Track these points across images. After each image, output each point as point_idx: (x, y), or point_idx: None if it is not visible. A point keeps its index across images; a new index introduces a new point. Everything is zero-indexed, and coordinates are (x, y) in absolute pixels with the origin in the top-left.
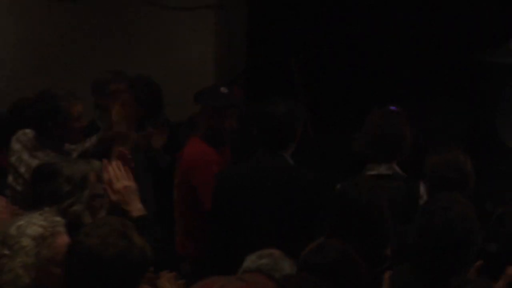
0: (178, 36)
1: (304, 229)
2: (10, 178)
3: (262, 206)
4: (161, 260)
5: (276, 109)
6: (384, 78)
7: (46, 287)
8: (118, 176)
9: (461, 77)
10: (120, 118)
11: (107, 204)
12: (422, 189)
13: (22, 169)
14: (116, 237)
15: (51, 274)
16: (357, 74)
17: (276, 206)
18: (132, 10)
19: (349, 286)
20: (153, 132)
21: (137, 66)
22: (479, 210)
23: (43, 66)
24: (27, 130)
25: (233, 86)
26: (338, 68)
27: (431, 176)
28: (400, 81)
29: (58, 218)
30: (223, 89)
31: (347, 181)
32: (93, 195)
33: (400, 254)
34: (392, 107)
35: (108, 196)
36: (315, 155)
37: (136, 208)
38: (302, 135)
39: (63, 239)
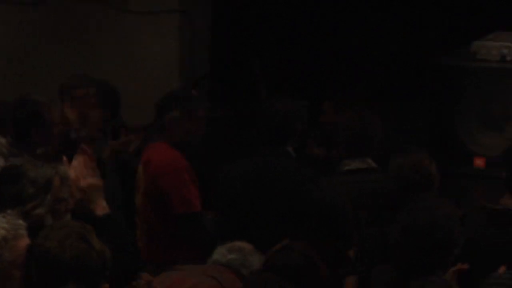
0: (141, 40)
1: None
2: None
3: (271, 201)
4: (123, 259)
5: (279, 106)
6: (345, 80)
7: None
8: (84, 174)
9: (421, 79)
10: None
11: (72, 205)
12: None
13: None
14: (74, 239)
15: (12, 277)
16: (319, 76)
17: (285, 202)
18: (95, 14)
19: None
20: (132, 138)
21: (99, 69)
22: None
23: (9, 70)
24: None
25: (194, 89)
26: (299, 69)
27: (397, 178)
28: (362, 82)
29: (21, 221)
30: (194, 92)
31: (312, 182)
32: (57, 198)
33: (382, 255)
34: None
35: (73, 196)
36: None
37: (101, 206)
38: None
39: (25, 242)
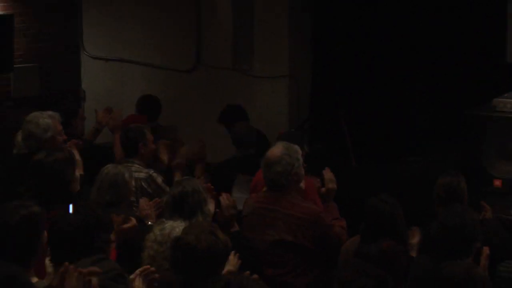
0: (262, 96)
1: None
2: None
3: None
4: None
5: None
6: (407, 129)
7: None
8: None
9: (456, 126)
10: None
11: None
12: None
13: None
14: (206, 234)
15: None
16: (386, 124)
17: None
18: (230, 78)
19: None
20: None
21: None
22: None
23: (168, 118)
24: None
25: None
26: (373, 116)
27: (440, 192)
28: (415, 129)
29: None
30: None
31: (376, 197)
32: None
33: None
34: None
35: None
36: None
37: (234, 226)
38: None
39: None
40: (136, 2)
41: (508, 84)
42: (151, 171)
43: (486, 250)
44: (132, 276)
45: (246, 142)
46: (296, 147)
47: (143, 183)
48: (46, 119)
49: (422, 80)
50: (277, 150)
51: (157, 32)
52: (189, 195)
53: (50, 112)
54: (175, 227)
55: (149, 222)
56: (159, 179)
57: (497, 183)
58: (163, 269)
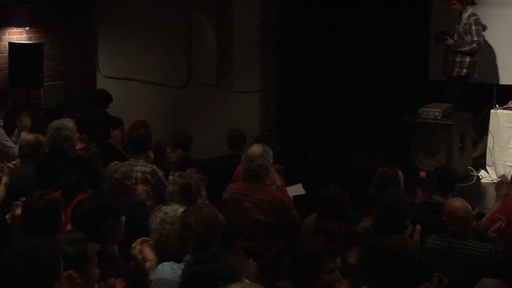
0: (239, 107)
1: None
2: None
3: None
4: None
5: None
6: (352, 132)
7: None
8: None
9: (390, 129)
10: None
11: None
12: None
13: None
14: (207, 212)
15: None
16: (336, 129)
17: None
18: (215, 93)
19: None
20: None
21: (215, 126)
22: None
23: (162, 131)
24: None
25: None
26: (326, 122)
27: (379, 179)
28: (358, 132)
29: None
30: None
31: (325, 187)
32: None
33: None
34: None
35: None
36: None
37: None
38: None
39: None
40: (140, 33)
41: (430, 96)
42: (154, 166)
43: (418, 227)
44: (133, 245)
45: (237, 144)
46: (269, 148)
47: (147, 176)
48: (71, 130)
49: (364, 94)
50: (257, 148)
51: (156, 56)
52: (192, 184)
53: (71, 124)
54: (176, 210)
55: (148, 203)
56: (160, 173)
57: (422, 174)
58: (177, 244)
